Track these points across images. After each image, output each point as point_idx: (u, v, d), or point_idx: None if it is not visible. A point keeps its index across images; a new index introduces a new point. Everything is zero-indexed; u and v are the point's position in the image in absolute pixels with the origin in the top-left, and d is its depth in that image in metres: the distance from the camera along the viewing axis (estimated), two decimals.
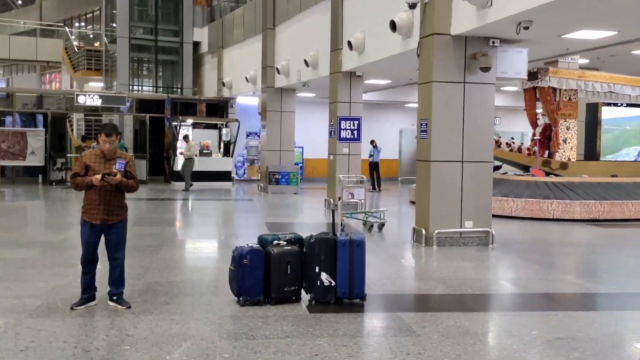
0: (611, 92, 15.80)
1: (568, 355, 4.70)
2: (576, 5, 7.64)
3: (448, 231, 9.64)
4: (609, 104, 16.52)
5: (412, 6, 9.61)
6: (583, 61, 15.53)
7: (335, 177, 14.40)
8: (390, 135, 25.34)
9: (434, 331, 5.22)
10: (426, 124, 9.59)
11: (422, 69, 9.79)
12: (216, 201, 17.02)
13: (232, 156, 22.66)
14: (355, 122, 14.57)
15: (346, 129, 14.50)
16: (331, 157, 14.86)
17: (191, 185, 19.33)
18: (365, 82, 15.23)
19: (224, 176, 21.57)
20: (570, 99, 15.63)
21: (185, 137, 20.70)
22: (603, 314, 6.17)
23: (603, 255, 9.83)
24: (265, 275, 5.93)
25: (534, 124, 16.17)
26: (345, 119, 14.52)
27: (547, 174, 15.19)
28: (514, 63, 9.66)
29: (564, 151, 15.58)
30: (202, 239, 10.81)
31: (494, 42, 9.50)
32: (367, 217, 11.51)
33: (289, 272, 5.97)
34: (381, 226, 11.33)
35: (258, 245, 6.08)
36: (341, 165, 14.55)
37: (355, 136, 14.64)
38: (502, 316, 5.92)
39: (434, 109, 9.46)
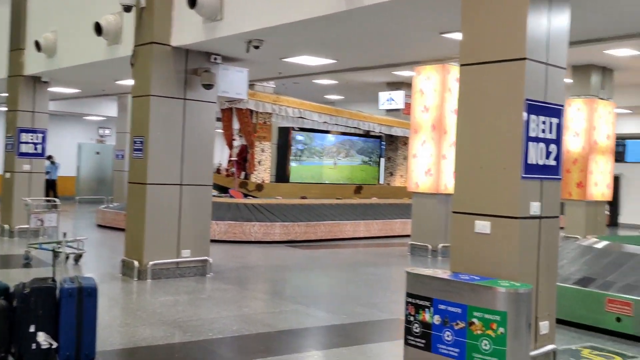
0: (301, 117, 16.68)
1: None
2: (306, 30, 7.46)
3: (164, 262, 8.69)
4: (294, 129, 17.36)
5: (127, 9, 8.46)
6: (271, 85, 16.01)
7: (12, 199, 12.20)
8: (67, 150, 23.09)
9: None
10: (142, 142, 8.52)
11: (137, 81, 8.71)
12: None
13: None
14: (40, 135, 12.55)
15: (28, 143, 12.39)
16: (7, 174, 12.53)
17: None
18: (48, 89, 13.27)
19: None
20: (265, 122, 15.98)
21: None
22: (371, 346, 5.90)
23: (318, 278, 9.94)
24: None
25: (231, 145, 16.14)
26: (27, 131, 12.40)
27: (245, 195, 15.23)
28: (235, 82, 9.25)
29: (258, 173, 15.82)
30: None
31: (215, 59, 8.95)
32: (59, 247, 9.81)
33: None
34: (78, 257, 9.80)
35: None
36: (21, 184, 12.36)
37: (39, 151, 12.61)
38: None
39: (152, 126, 8.46)
